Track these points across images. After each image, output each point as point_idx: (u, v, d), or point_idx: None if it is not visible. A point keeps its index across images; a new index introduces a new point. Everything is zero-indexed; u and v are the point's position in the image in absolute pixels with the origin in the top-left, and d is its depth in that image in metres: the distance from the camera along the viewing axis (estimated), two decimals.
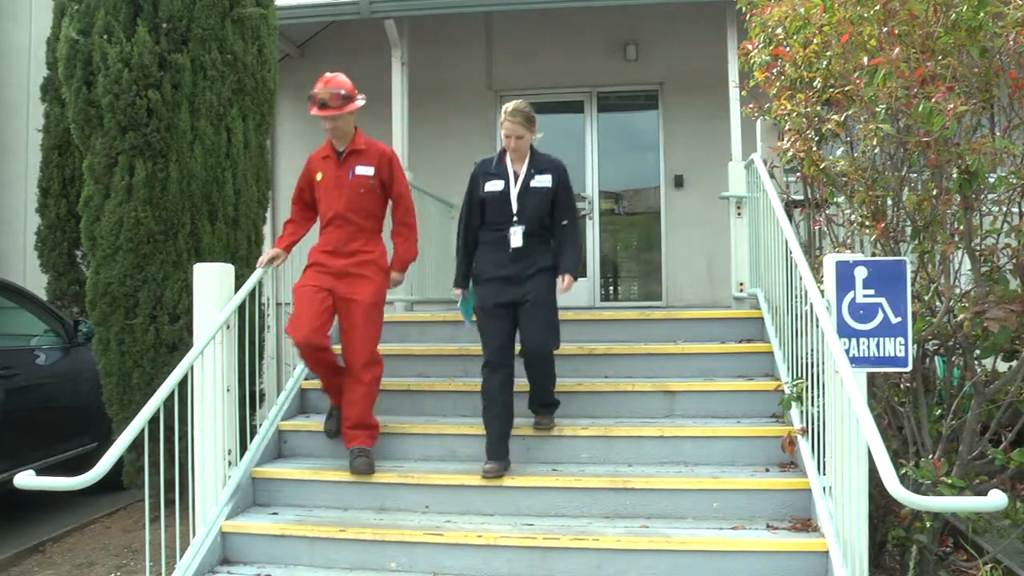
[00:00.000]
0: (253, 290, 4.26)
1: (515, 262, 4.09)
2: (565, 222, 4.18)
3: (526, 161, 4.17)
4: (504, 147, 4.21)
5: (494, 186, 4.15)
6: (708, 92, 7.44)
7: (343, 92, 4.10)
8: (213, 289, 4.01)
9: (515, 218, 4.10)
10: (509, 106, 4.12)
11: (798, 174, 4.67)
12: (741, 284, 5.91)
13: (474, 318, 4.27)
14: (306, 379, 4.90)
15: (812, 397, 3.72)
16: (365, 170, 4.22)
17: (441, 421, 4.57)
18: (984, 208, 3.75)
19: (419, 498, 4.02)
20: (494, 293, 4.11)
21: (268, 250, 4.44)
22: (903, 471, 3.39)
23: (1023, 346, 3.61)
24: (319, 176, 4.27)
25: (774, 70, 4.37)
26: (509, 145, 4.13)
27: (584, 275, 8.17)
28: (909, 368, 3.30)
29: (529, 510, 3.91)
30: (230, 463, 4.00)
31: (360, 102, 4.18)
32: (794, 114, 4.15)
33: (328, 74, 4.18)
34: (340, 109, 4.10)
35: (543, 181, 4.14)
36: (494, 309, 4.10)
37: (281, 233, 4.49)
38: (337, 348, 4.36)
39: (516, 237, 4.08)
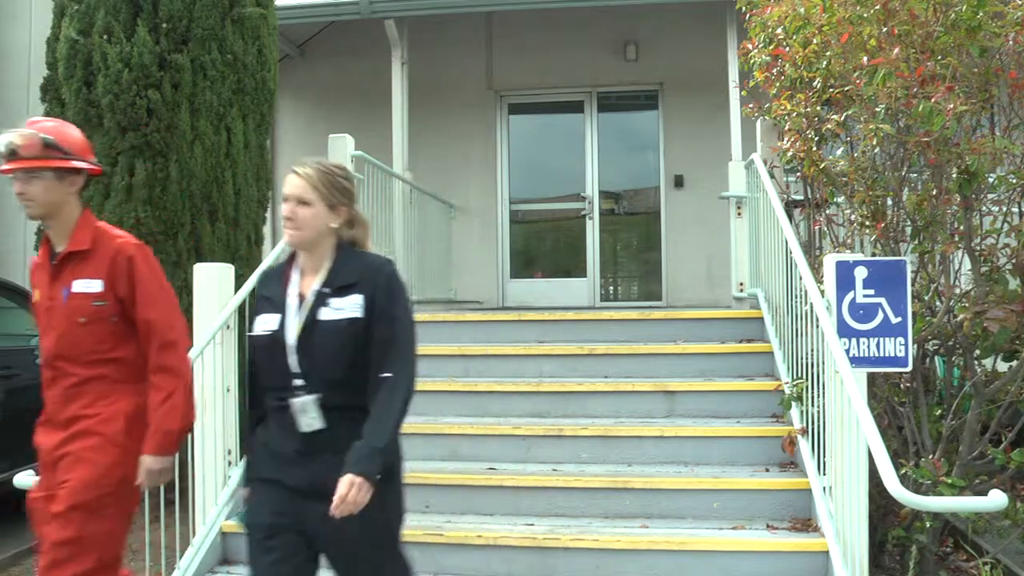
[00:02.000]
0: (253, 290, 4.26)
1: (309, 458, 2.23)
2: (389, 375, 2.20)
3: (324, 269, 2.31)
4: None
5: (265, 324, 2.30)
6: (708, 92, 7.44)
7: (49, 140, 2.49)
8: (213, 289, 4.01)
9: (298, 381, 2.23)
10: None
11: (798, 174, 4.67)
12: (741, 284, 5.90)
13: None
14: None
15: (812, 397, 3.72)
16: (87, 285, 2.53)
17: (441, 421, 4.57)
18: (984, 208, 3.75)
19: (419, 498, 4.01)
20: (268, 507, 2.25)
21: None
22: (903, 471, 3.39)
23: (1023, 346, 3.61)
24: (36, 295, 2.66)
25: (774, 70, 4.37)
26: (287, 224, 2.32)
27: (584, 275, 8.17)
28: (909, 368, 3.30)
29: (529, 510, 3.91)
30: (230, 463, 4.00)
31: (82, 164, 2.57)
32: (794, 114, 4.15)
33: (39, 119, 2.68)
34: (38, 161, 2.48)
35: (344, 306, 2.24)
36: (267, 539, 2.23)
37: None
38: None
39: (307, 416, 2.22)
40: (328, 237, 2.34)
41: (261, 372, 2.33)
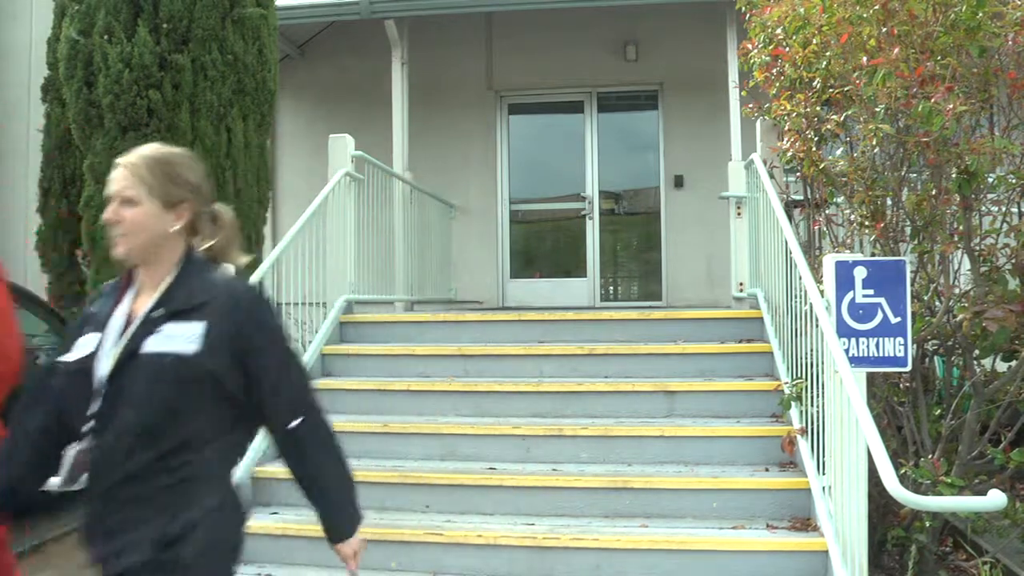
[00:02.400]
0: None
1: (104, 534, 1.77)
2: (294, 423, 1.82)
3: (161, 286, 1.81)
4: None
5: (83, 346, 1.80)
6: (708, 92, 7.45)
7: None
8: None
9: (86, 425, 1.74)
10: None
11: (798, 174, 4.67)
12: (741, 284, 5.91)
13: None
14: None
15: (812, 397, 3.72)
16: None
17: (441, 420, 4.57)
18: (984, 208, 3.75)
19: (419, 498, 4.02)
20: None
21: None
22: (903, 471, 3.40)
23: (1022, 346, 3.62)
24: None
25: (774, 70, 4.37)
26: (113, 230, 1.80)
27: (584, 275, 8.17)
28: (908, 368, 3.30)
29: (529, 510, 3.91)
30: None
31: None
32: (794, 114, 4.15)
33: None
34: None
35: (178, 334, 1.73)
36: None
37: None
38: None
39: (62, 472, 1.78)
40: (170, 245, 1.82)
41: (64, 410, 1.80)
